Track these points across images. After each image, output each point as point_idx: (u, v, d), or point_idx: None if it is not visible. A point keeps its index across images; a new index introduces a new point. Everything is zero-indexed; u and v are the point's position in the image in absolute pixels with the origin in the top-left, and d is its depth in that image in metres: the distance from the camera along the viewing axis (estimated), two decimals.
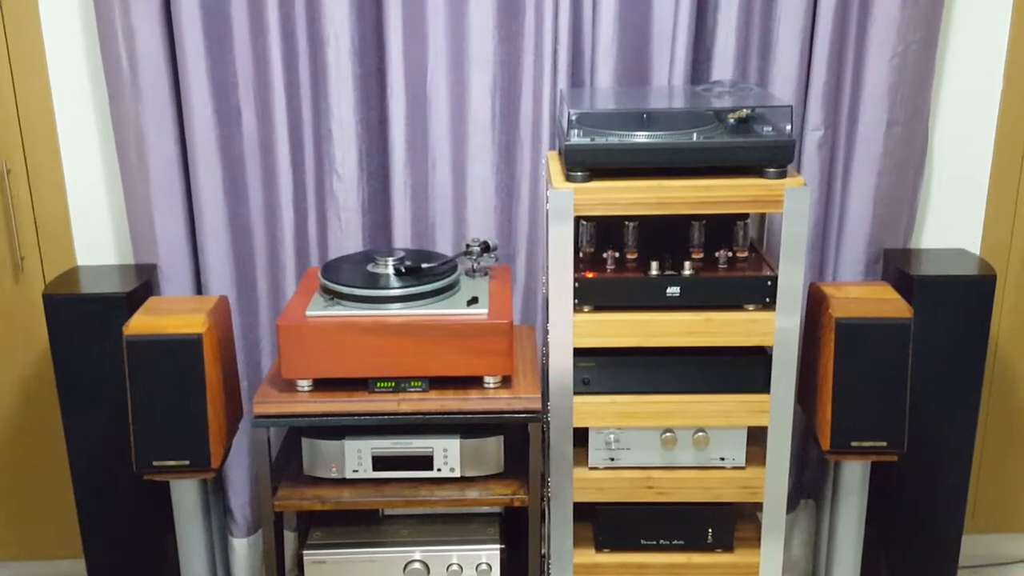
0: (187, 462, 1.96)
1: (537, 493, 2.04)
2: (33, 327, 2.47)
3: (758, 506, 2.05)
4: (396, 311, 1.99)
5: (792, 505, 2.57)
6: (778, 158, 1.85)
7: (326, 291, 2.05)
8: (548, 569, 2.10)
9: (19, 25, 2.29)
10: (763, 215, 2.17)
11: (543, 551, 2.13)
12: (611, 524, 2.07)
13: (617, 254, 1.97)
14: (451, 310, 1.99)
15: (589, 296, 1.92)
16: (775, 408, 1.95)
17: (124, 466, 1.99)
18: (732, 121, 1.93)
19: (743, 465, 2.01)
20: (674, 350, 1.94)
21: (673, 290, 1.91)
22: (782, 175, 1.85)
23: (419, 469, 2.05)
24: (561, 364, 1.94)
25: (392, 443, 2.04)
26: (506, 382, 2.01)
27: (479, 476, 2.07)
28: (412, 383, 1.98)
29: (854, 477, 2.10)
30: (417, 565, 2.09)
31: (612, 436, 2.00)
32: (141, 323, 1.95)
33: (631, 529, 2.07)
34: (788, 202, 1.83)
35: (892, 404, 1.98)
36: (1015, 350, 2.60)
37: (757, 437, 2.00)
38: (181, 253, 2.34)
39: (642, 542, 2.07)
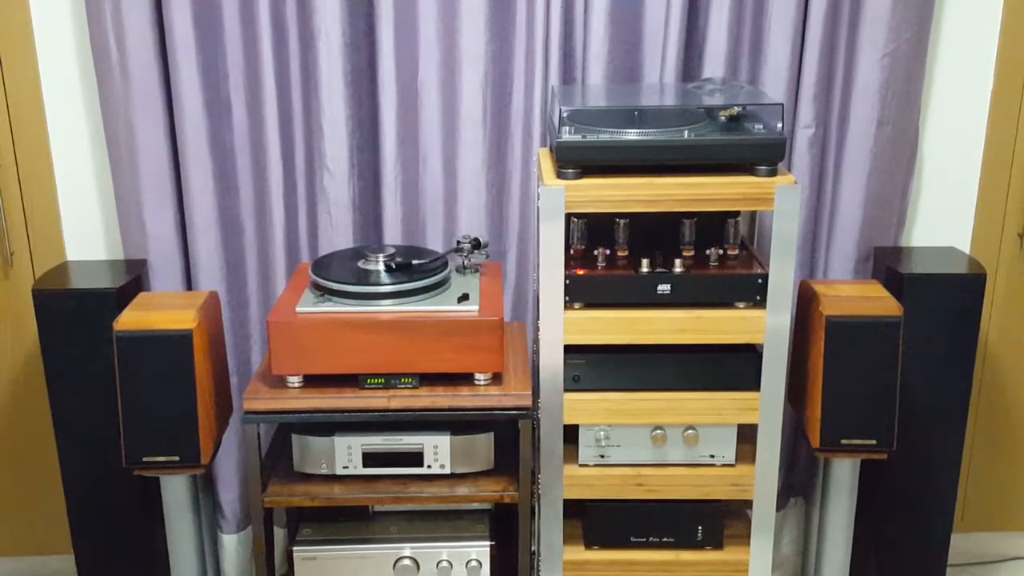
0: (177, 458, 1.96)
1: (527, 490, 2.04)
2: (22, 322, 2.46)
3: (748, 504, 2.06)
4: (387, 307, 1.98)
5: (782, 503, 2.57)
6: (769, 156, 1.85)
7: (316, 287, 2.05)
8: (538, 566, 2.11)
9: (8, 18, 2.28)
10: (754, 213, 2.18)
11: (533, 548, 2.13)
12: (601, 521, 2.07)
13: (608, 251, 1.97)
14: (442, 307, 1.99)
15: (580, 293, 1.92)
16: (765, 406, 1.95)
17: (114, 461, 1.99)
18: (723, 119, 1.93)
19: (733, 463, 2.02)
20: (665, 347, 1.95)
21: (664, 288, 1.92)
22: (773, 173, 1.85)
23: (409, 465, 2.05)
24: (552, 361, 1.94)
25: (382, 439, 2.04)
26: (496, 379, 2.01)
27: (469, 473, 2.07)
28: (402, 379, 1.98)
29: (844, 475, 2.10)
30: (407, 561, 2.09)
31: (602, 433, 2.00)
32: (131, 319, 1.94)
33: (621, 526, 2.07)
34: (779, 200, 1.84)
35: (882, 402, 1.98)
36: (1004, 348, 2.61)
37: (747, 435, 2.00)
38: (171, 248, 2.33)
39: (632, 539, 2.08)
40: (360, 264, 2.10)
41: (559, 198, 1.85)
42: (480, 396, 1.98)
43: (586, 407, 1.98)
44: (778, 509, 2.48)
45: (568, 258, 1.95)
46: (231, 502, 2.52)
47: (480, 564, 2.10)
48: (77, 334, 2.14)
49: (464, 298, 2.01)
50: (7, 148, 2.36)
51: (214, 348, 2.03)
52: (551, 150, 2.02)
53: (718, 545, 2.08)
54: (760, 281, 1.90)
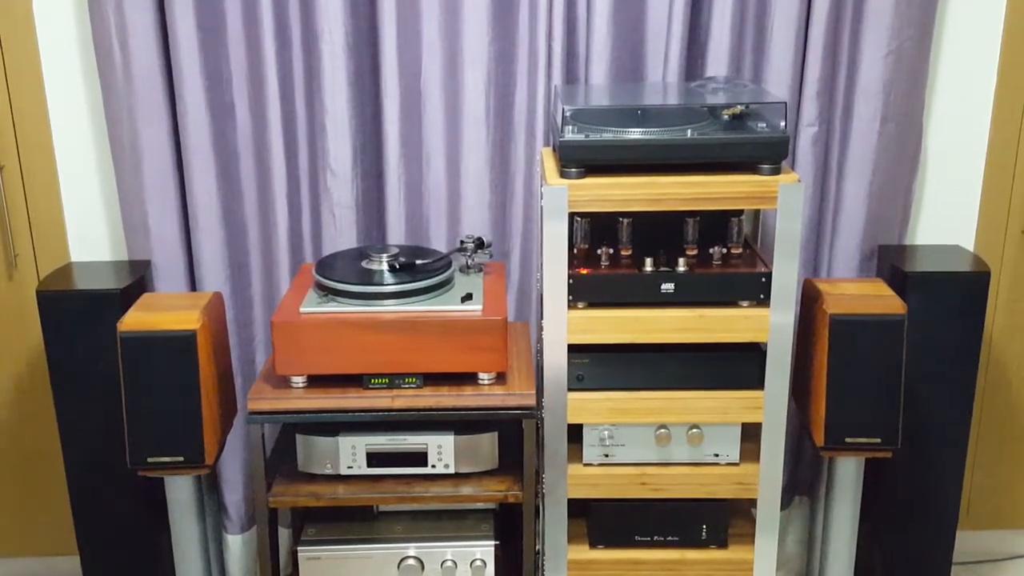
0: (181, 458, 1.96)
1: (531, 489, 2.04)
2: (27, 324, 2.46)
3: (752, 502, 2.06)
4: (390, 307, 1.98)
5: (786, 502, 2.57)
6: (772, 154, 1.85)
7: (320, 287, 2.05)
8: (542, 565, 2.11)
9: (12, 21, 2.29)
10: (757, 211, 2.17)
11: (537, 547, 2.13)
12: (605, 520, 2.07)
13: (611, 250, 1.97)
14: (445, 307, 1.99)
15: (583, 292, 1.92)
16: (769, 404, 1.95)
17: (118, 463, 1.99)
18: (726, 117, 1.93)
19: (737, 461, 2.02)
20: (668, 346, 1.95)
21: (667, 286, 1.92)
22: (776, 171, 1.85)
23: (413, 465, 2.05)
24: (555, 360, 1.94)
25: (386, 439, 2.04)
26: (500, 378, 2.01)
27: (473, 472, 2.07)
28: (406, 379, 1.98)
29: (848, 473, 2.10)
30: (411, 561, 2.09)
31: (606, 432, 2.00)
32: (135, 320, 1.94)
33: (625, 526, 2.07)
34: (782, 198, 1.84)
35: (886, 400, 1.98)
36: (1009, 346, 2.61)
37: (751, 433, 2.00)
38: (175, 249, 2.33)
39: (636, 539, 2.08)
40: (364, 264, 2.10)
41: (562, 197, 1.85)
42: (484, 396, 1.98)
43: (590, 406, 1.98)
44: (783, 508, 2.47)
45: (571, 257, 1.95)
46: (235, 502, 2.52)
47: (484, 564, 2.10)
48: (81, 335, 2.15)
49: (468, 298, 2.01)
50: (11, 150, 2.37)
51: (218, 349, 2.03)
52: (554, 149, 2.03)
53: (723, 544, 2.08)
54: (764, 280, 1.90)
